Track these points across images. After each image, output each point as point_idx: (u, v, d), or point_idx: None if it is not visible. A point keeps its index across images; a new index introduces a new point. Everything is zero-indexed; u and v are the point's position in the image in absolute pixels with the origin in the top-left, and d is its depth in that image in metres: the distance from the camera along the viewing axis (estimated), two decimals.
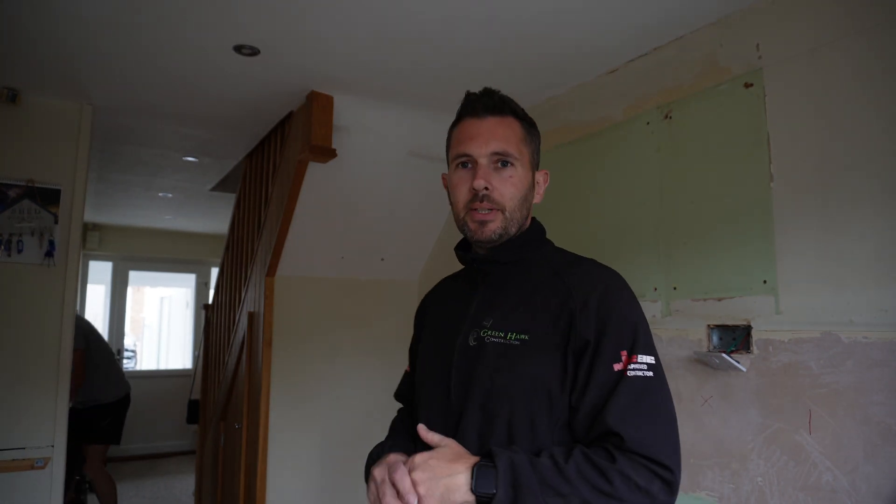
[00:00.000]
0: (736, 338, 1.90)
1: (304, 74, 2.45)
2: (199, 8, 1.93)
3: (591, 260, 1.11)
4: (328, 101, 2.63)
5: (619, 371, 0.94)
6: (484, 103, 1.09)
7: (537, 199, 1.15)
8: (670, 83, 2.17)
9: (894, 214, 1.55)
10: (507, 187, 1.06)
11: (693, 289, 2.04)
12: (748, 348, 1.85)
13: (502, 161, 1.06)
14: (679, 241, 2.10)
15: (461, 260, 1.17)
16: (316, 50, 2.23)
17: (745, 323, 1.87)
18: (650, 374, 0.94)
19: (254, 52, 2.23)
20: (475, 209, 1.06)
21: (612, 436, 0.91)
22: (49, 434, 2.69)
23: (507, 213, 1.06)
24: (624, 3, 1.90)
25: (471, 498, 0.88)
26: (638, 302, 1.04)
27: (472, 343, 1.06)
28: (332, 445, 3.27)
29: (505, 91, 1.15)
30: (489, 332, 1.05)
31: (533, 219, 1.16)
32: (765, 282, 1.82)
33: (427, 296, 1.33)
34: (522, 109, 1.14)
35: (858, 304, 1.60)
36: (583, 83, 2.55)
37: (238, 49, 2.21)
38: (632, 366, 0.94)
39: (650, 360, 0.96)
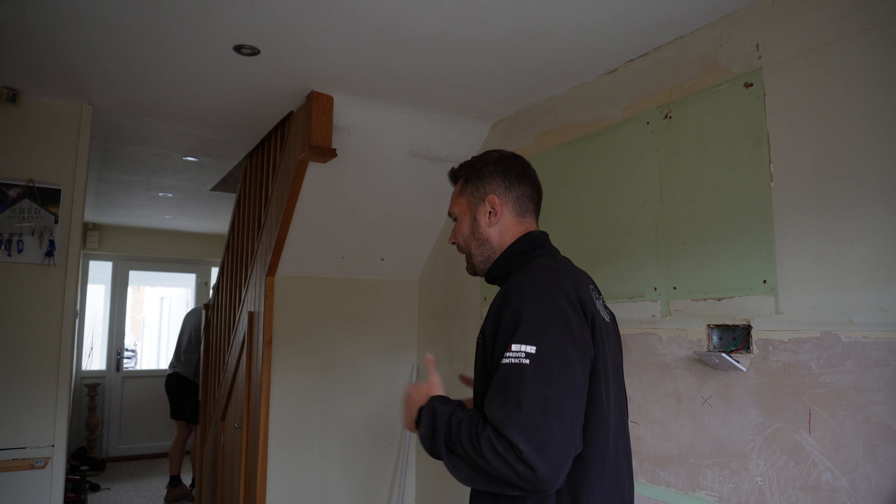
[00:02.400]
0: (736, 338, 1.90)
1: (304, 74, 2.45)
2: (199, 8, 1.93)
3: (535, 263, 1.27)
4: (328, 101, 2.63)
5: (500, 360, 1.10)
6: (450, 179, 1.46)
7: (494, 221, 1.35)
8: (670, 83, 2.17)
9: (894, 214, 1.55)
10: (458, 236, 1.41)
11: (693, 289, 2.04)
12: (748, 348, 1.85)
13: (453, 219, 1.43)
14: (679, 241, 2.10)
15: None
16: (316, 50, 2.23)
17: (745, 323, 1.87)
18: (525, 361, 1.06)
19: (254, 52, 2.23)
20: None
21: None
22: (49, 434, 2.70)
23: (467, 252, 1.40)
24: (624, 3, 1.90)
25: (415, 429, 1.20)
26: (544, 297, 1.14)
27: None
28: (332, 445, 3.27)
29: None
30: (478, 335, 1.29)
31: (525, 235, 1.35)
32: (765, 282, 1.82)
33: None
34: (470, 163, 1.41)
35: (858, 304, 1.60)
36: (583, 83, 2.55)
37: (238, 49, 2.21)
38: (507, 354, 1.08)
39: (529, 348, 1.07)
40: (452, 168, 1.45)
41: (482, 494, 1.18)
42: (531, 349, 1.07)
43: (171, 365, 5.14)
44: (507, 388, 1.05)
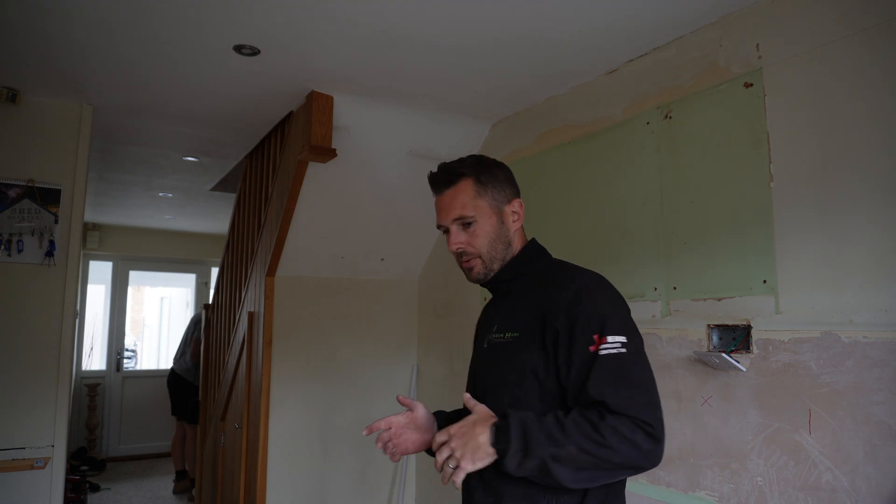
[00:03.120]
0: (736, 338, 1.90)
1: (304, 74, 2.45)
2: (199, 8, 1.93)
3: (574, 267, 1.32)
4: (328, 101, 2.63)
5: (593, 352, 1.13)
6: (438, 181, 1.34)
7: (517, 224, 1.34)
8: (670, 83, 2.17)
9: (894, 214, 1.55)
10: (476, 239, 1.31)
11: (693, 289, 2.04)
12: (748, 348, 1.85)
13: (464, 223, 1.30)
14: (679, 241, 2.10)
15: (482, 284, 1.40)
16: (316, 50, 2.23)
17: (745, 323, 1.87)
18: (623, 350, 1.13)
19: (254, 52, 2.23)
20: (460, 262, 1.35)
21: (598, 403, 1.09)
22: (49, 434, 2.70)
23: (483, 257, 1.32)
24: (623, 3, 1.90)
25: (492, 451, 1.09)
26: (616, 296, 1.24)
27: (485, 346, 1.35)
28: (333, 445, 3.27)
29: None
30: (495, 336, 1.32)
31: (532, 240, 1.38)
32: (765, 282, 1.82)
33: (482, 312, 1.53)
34: (474, 161, 1.33)
35: (858, 304, 1.60)
36: (583, 83, 2.55)
37: (238, 49, 2.21)
38: (603, 346, 1.13)
39: (622, 339, 1.14)
40: (448, 168, 1.33)
41: (517, 495, 1.17)
42: (624, 339, 1.14)
43: (174, 360, 5.32)
44: (618, 376, 1.11)
